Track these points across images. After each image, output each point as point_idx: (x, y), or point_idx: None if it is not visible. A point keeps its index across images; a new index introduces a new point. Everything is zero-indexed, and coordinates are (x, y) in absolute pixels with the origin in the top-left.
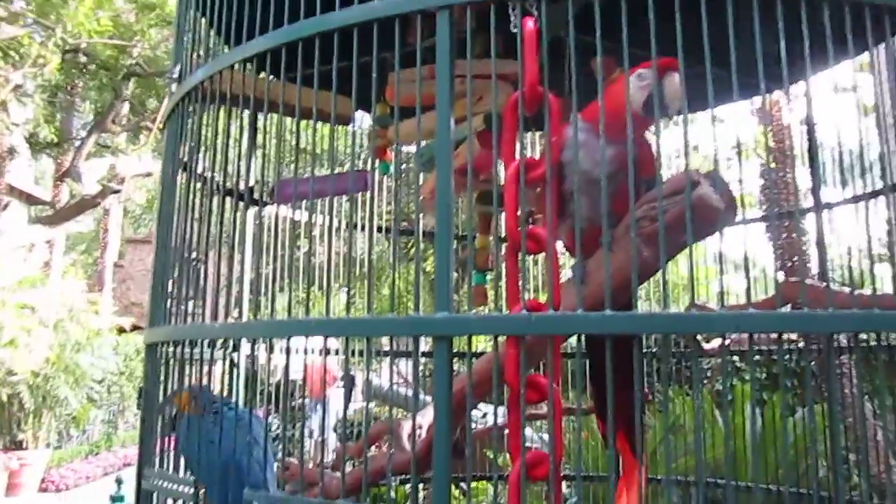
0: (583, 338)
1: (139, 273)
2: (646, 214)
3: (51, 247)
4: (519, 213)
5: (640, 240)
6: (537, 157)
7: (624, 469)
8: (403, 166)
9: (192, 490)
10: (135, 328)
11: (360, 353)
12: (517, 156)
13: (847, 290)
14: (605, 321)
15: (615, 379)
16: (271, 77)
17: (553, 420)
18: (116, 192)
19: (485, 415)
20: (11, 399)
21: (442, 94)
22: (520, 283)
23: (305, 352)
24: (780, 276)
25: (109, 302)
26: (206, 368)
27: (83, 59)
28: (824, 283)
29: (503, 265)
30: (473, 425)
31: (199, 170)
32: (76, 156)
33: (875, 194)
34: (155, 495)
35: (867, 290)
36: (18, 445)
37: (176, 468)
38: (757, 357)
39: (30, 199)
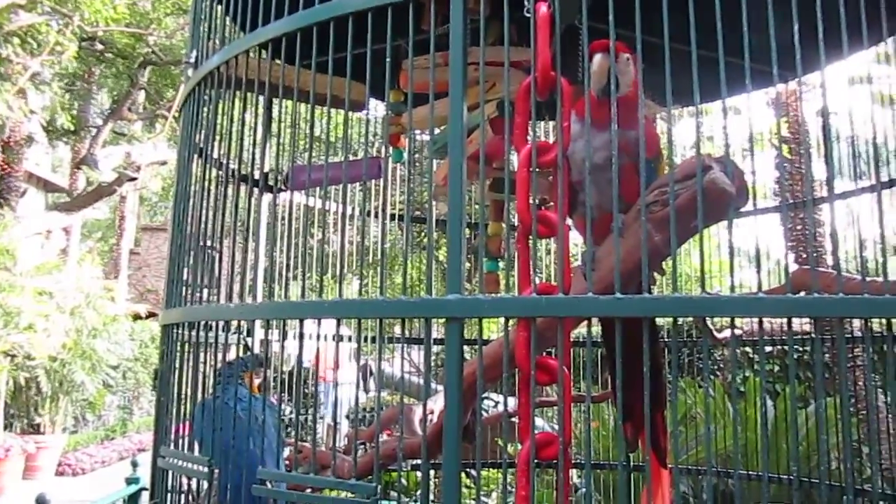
0: (598, 329)
1: (155, 260)
2: (656, 199)
3: (67, 234)
4: (530, 197)
5: (651, 225)
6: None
7: (650, 476)
8: (416, 155)
9: (206, 469)
10: (150, 315)
11: (373, 340)
12: (529, 140)
13: (858, 277)
14: (615, 304)
15: (633, 380)
16: (286, 64)
17: (562, 401)
18: (132, 179)
19: (496, 404)
20: (29, 383)
21: (455, 80)
22: (531, 266)
23: (318, 338)
24: (794, 266)
25: (125, 289)
26: (220, 354)
27: (100, 47)
28: (835, 271)
29: (515, 252)
30: (484, 413)
31: (215, 155)
32: (92, 143)
33: (891, 184)
34: (171, 474)
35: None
36: (36, 429)
37: (191, 447)
38: (769, 348)
39: (47, 186)
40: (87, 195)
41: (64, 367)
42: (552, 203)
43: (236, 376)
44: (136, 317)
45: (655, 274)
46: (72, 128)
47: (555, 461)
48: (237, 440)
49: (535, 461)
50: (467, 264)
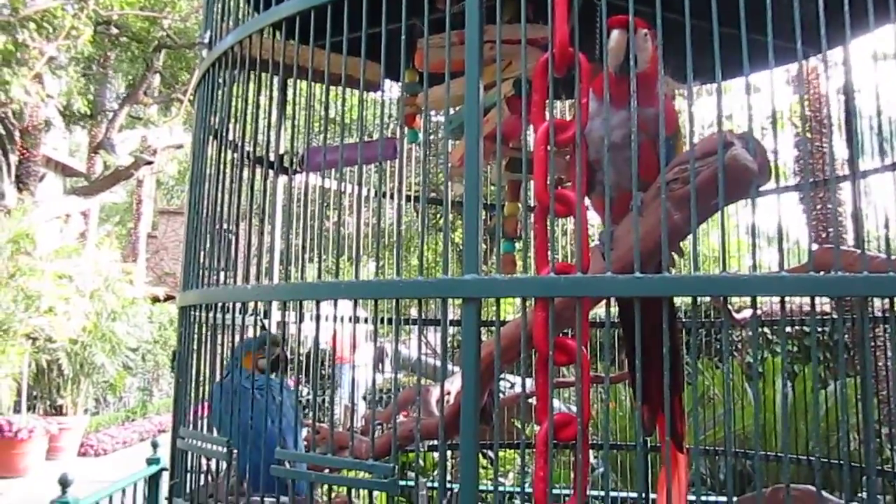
0: (615, 310)
1: (172, 244)
2: (677, 177)
3: (86, 218)
4: (548, 175)
5: (671, 203)
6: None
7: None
8: (432, 136)
9: (224, 449)
10: (168, 298)
11: (389, 322)
12: (547, 118)
13: (882, 256)
14: (634, 283)
15: (651, 362)
16: (301, 44)
17: (581, 382)
18: (149, 163)
19: (512, 385)
20: (51, 365)
21: (471, 59)
22: (548, 245)
23: (335, 320)
24: (815, 247)
25: (143, 272)
26: (237, 336)
27: (115, 31)
28: (859, 250)
29: (532, 232)
30: (501, 395)
31: (230, 136)
32: (109, 127)
33: None
34: (190, 454)
35: None
36: (58, 411)
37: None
38: (788, 329)
39: (65, 171)
40: (105, 179)
41: (84, 349)
42: (569, 182)
43: (240, 358)
44: (155, 300)
45: (674, 255)
46: (88, 112)
47: (572, 442)
48: (255, 420)
49: (554, 442)
50: (483, 246)
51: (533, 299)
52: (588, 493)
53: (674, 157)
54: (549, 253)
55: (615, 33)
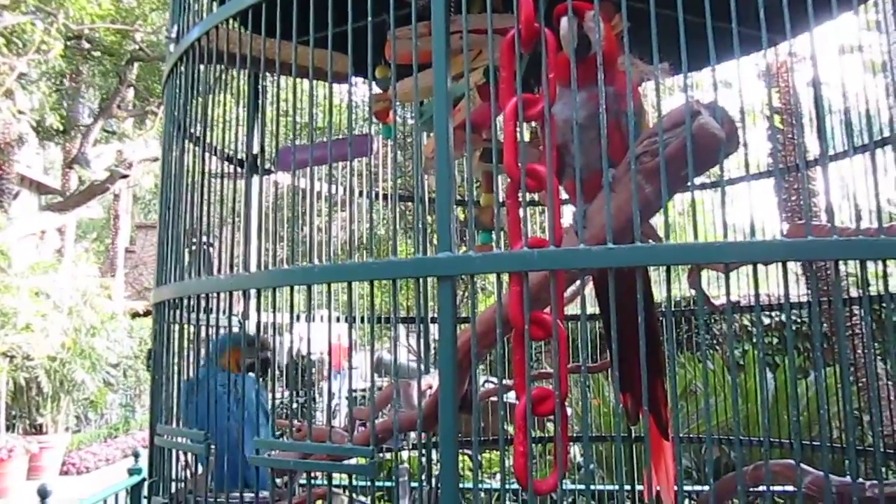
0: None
1: (150, 258)
2: (646, 150)
3: (62, 234)
4: (518, 151)
5: (642, 176)
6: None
7: (651, 449)
8: (409, 139)
9: (202, 444)
10: (148, 312)
11: (367, 321)
12: (515, 94)
13: (852, 227)
14: (607, 254)
15: (630, 349)
16: (268, 37)
17: (558, 356)
18: (125, 176)
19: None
20: (30, 383)
21: (438, 49)
22: (521, 221)
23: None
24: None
25: (122, 287)
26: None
27: (86, 45)
28: (829, 224)
29: (504, 213)
30: (481, 387)
31: (198, 133)
32: (83, 142)
33: (882, 143)
34: (169, 451)
35: None
36: (38, 429)
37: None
38: (767, 320)
39: (40, 188)
40: (80, 194)
41: (64, 366)
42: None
43: (216, 357)
44: (135, 314)
45: (653, 242)
46: (61, 128)
47: (551, 414)
48: (213, 419)
49: (533, 416)
50: (463, 248)
51: (507, 276)
52: (568, 470)
53: (639, 134)
54: (522, 228)
55: (563, 21)
